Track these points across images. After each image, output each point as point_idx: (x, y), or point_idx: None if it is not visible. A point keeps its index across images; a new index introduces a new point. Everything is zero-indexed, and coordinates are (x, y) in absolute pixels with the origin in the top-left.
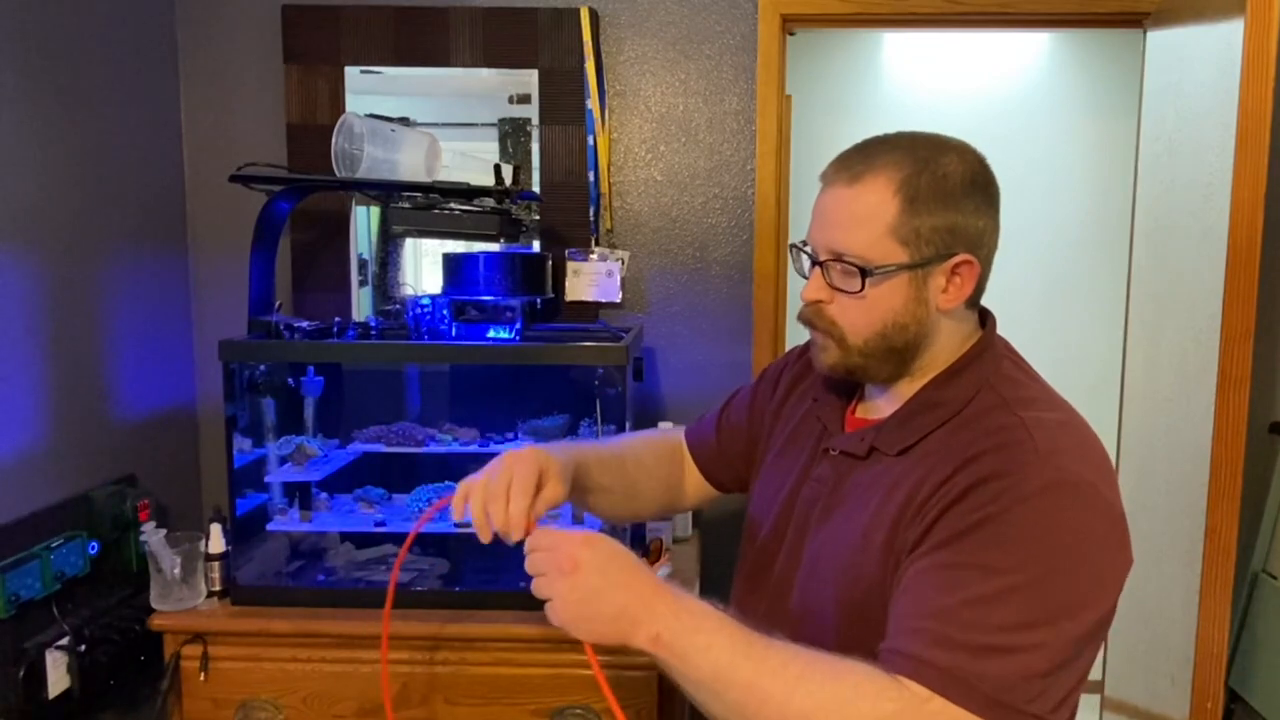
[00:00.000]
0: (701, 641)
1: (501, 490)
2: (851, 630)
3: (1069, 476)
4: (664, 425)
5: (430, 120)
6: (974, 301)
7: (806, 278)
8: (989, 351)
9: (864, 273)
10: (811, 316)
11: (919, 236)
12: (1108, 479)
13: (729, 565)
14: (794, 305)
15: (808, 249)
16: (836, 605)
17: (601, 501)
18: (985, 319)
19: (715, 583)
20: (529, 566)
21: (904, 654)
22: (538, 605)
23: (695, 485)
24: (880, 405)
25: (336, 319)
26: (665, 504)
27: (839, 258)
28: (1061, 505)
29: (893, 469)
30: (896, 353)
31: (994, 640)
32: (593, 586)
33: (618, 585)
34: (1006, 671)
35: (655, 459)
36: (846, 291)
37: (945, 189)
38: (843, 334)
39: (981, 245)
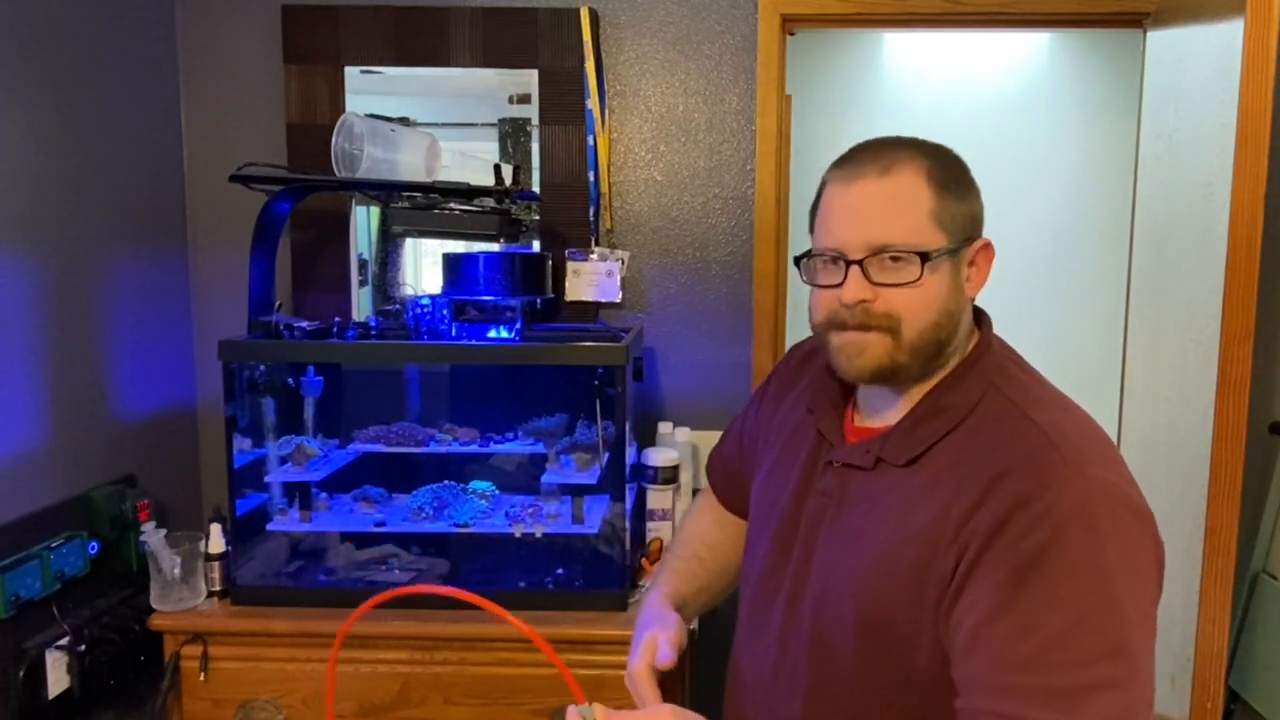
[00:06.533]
0: None
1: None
2: (871, 650)
3: (1100, 485)
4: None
5: (430, 120)
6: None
7: (822, 285)
8: (989, 353)
9: (923, 258)
10: (861, 316)
11: (954, 222)
12: (1127, 476)
13: None
14: (794, 305)
15: (829, 253)
16: (855, 626)
17: (712, 598)
18: (980, 319)
19: None
20: None
21: (1001, 715)
22: (538, 605)
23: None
24: (884, 412)
25: (336, 319)
26: None
27: (884, 250)
28: (1102, 518)
29: (906, 482)
30: (939, 345)
31: (1086, 677)
32: None
33: None
34: (1111, 709)
35: (717, 526)
36: (899, 284)
37: (961, 177)
38: (900, 326)
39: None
